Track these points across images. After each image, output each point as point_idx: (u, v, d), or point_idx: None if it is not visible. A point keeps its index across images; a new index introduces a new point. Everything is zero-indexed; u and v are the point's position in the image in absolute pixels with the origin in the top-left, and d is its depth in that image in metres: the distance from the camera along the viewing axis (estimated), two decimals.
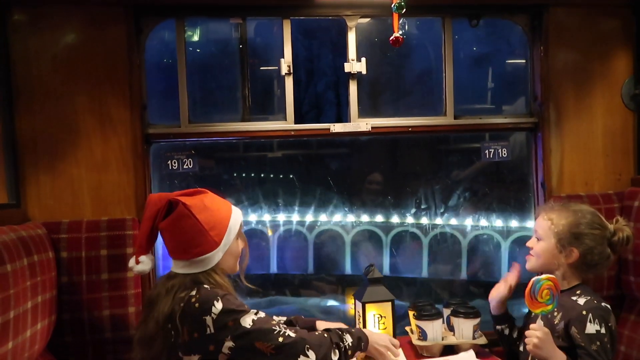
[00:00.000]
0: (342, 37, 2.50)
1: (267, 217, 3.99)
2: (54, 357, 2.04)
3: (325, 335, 1.72)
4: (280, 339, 1.62)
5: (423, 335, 2.15)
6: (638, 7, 2.57)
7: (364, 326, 2.20)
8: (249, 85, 2.55)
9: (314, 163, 4.13)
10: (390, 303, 2.22)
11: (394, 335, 2.24)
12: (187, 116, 2.37)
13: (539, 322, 1.87)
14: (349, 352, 1.76)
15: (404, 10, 1.81)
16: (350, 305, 2.32)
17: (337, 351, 1.71)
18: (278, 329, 1.64)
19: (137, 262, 1.70)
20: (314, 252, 4.11)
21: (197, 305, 1.58)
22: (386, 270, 4.01)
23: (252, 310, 1.65)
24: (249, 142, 3.78)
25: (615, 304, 2.48)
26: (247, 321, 1.60)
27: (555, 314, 1.96)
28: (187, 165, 2.37)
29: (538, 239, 2.07)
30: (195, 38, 3.07)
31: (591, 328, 1.86)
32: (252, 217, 3.95)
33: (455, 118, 2.56)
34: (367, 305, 2.21)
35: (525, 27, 2.61)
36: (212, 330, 1.57)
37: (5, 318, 1.60)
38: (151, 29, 2.33)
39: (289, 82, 2.42)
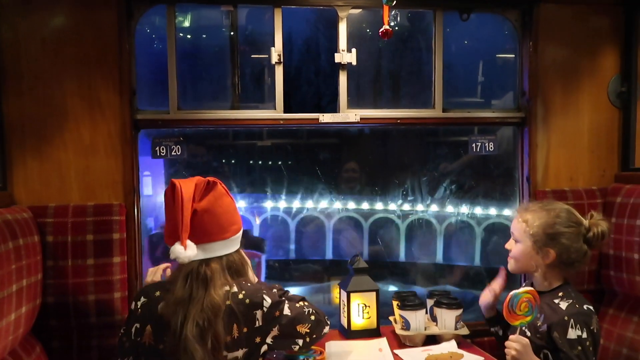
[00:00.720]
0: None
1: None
2: (39, 340, 2.05)
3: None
4: (312, 317, 1.72)
5: (406, 325, 2.17)
6: (628, 5, 2.60)
7: (349, 315, 2.23)
8: (238, 73, 2.54)
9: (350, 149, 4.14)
10: (374, 293, 2.25)
11: (378, 325, 2.27)
12: (176, 103, 2.37)
13: (518, 333, 1.90)
14: None
15: (395, 2, 1.82)
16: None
17: None
18: (306, 308, 1.73)
19: (186, 247, 1.58)
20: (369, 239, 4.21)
21: (247, 301, 1.60)
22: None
23: (283, 298, 1.69)
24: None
25: (595, 298, 2.53)
26: (287, 309, 1.67)
27: (538, 315, 1.98)
28: (175, 151, 2.37)
29: (515, 241, 2.09)
30: (186, 24, 3.05)
31: (573, 333, 1.89)
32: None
33: (443, 111, 2.57)
34: (351, 295, 2.23)
35: (516, 22, 2.62)
36: (261, 323, 1.61)
37: None
38: (142, 14, 2.32)
39: (279, 71, 2.42)
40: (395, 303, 2.28)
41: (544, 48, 2.57)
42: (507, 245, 2.14)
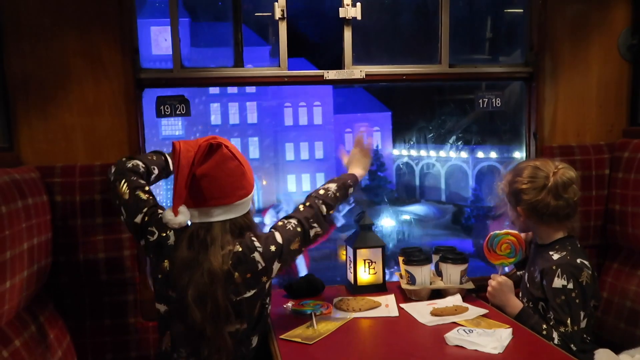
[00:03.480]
0: None
1: None
2: (51, 297, 2.09)
3: (308, 203, 1.86)
4: (299, 229, 1.76)
5: (412, 279, 2.20)
6: None
7: (355, 271, 2.26)
8: (241, 31, 2.50)
9: None
10: (380, 249, 2.27)
11: (384, 280, 2.30)
12: (179, 61, 2.34)
13: (500, 273, 2.05)
14: (339, 197, 1.92)
15: None
16: None
17: (323, 206, 1.85)
18: (290, 224, 1.76)
19: (177, 214, 1.59)
20: None
21: (240, 249, 1.64)
22: None
23: (271, 230, 1.75)
24: None
25: (600, 253, 2.55)
26: (278, 237, 1.71)
27: (535, 267, 2.06)
28: (179, 110, 2.36)
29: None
30: None
31: (558, 283, 1.93)
32: None
33: (450, 66, 2.53)
34: (358, 251, 2.26)
35: None
36: (264, 264, 1.66)
37: (2, 258, 1.63)
38: None
39: (282, 27, 2.38)
40: (401, 259, 2.30)
41: (554, 0, 2.51)
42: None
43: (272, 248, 1.67)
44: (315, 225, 1.79)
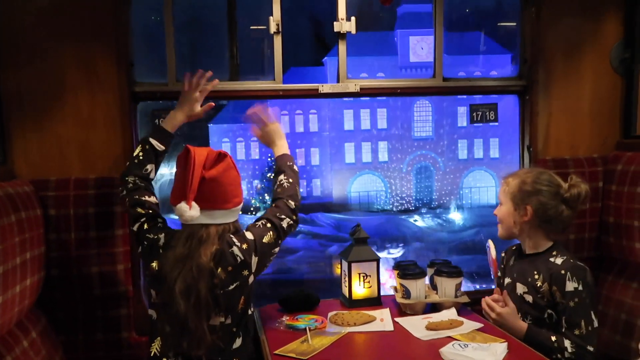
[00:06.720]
0: None
1: None
2: (44, 312, 2.07)
3: (274, 204, 1.95)
4: (269, 225, 1.85)
5: (407, 293, 2.20)
6: None
7: (350, 285, 2.25)
8: (237, 44, 2.51)
9: None
10: (375, 262, 2.27)
11: (379, 294, 2.29)
12: (174, 74, 2.34)
13: (504, 300, 2.06)
14: (293, 182, 2.01)
15: None
16: None
17: (290, 200, 1.94)
18: (259, 222, 1.86)
19: (191, 207, 1.69)
20: None
21: (222, 247, 1.73)
22: None
23: (242, 231, 1.83)
24: None
25: (595, 265, 2.55)
26: (249, 235, 1.80)
27: (537, 277, 2.05)
28: None
29: (500, 205, 2.15)
30: None
31: (570, 286, 1.96)
32: None
33: (444, 80, 2.55)
34: (352, 265, 2.25)
35: None
36: (242, 257, 1.74)
37: None
38: None
39: (277, 41, 2.39)
40: (396, 272, 2.30)
41: (547, 14, 2.53)
42: (495, 212, 2.19)
43: (244, 246, 1.76)
44: (283, 217, 1.89)
